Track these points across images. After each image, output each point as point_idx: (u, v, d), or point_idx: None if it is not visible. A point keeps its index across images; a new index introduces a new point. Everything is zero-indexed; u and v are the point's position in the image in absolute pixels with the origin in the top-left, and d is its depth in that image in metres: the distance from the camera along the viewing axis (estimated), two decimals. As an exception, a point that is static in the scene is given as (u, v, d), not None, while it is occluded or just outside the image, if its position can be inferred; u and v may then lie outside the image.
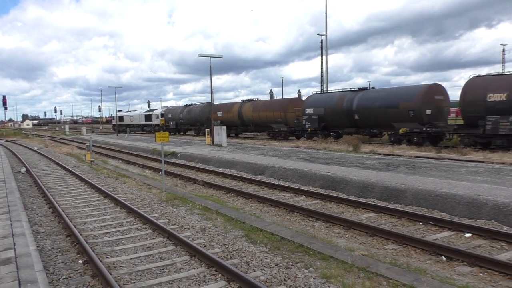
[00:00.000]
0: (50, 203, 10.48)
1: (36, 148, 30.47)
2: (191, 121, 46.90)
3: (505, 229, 7.38)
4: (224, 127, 26.53)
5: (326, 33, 40.75)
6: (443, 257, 6.23)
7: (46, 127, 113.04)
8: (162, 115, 53.67)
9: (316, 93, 33.30)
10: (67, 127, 75.05)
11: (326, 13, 39.76)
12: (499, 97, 18.94)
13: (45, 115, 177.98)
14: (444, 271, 5.75)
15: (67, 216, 8.79)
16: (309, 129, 29.96)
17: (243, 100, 40.35)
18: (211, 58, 26.74)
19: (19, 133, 66.58)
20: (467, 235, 7.25)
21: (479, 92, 19.81)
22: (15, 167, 19.00)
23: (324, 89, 41.89)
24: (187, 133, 49.34)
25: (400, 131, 23.68)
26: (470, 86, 20.59)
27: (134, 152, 26.28)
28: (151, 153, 24.56)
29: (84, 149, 24.22)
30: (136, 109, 73.14)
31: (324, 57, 44.32)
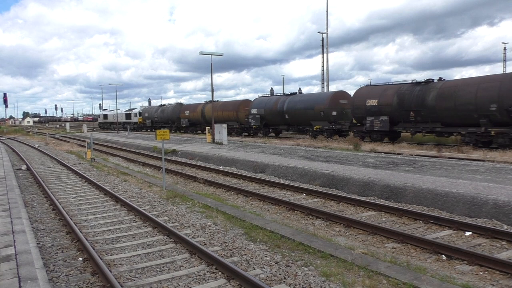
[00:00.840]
0: (50, 200, 10.49)
1: (36, 146, 30.49)
2: (164, 119, 52.29)
3: (505, 228, 7.37)
4: (225, 125, 26.52)
5: (327, 31, 40.71)
6: (443, 255, 6.22)
7: (47, 125, 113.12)
8: (140, 114, 59.15)
9: (260, 97, 37.77)
10: (67, 124, 75.11)
11: (327, 11, 39.75)
12: (373, 102, 25.01)
13: (46, 113, 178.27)
14: (444, 270, 5.74)
15: (67, 214, 8.80)
16: (253, 126, 36.05)
17: (206, 102, 45.43)
18: (212, 56, 26.73)
19: (20, 130, 66.64)
20: (468, 233, 7.24)
21: (362, 99, 25.93)
22: (16, 164, 19.02)
23: (325, 87, 41.85)
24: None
25: (315, 127, 29.88)
26: (357, 94, 27.08)
27: (134, 150, 26.29)
28: (152, 151, 24.57)
29: (84, 146, 24.23)
30: (119, 108, 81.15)
31: (325, 55, 44.29)
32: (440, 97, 21.39)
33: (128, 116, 62.04)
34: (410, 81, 24.30)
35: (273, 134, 36.60)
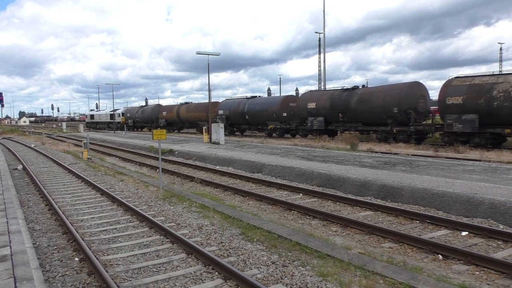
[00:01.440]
0: (46, 200, 10.45)
1: (33, 146, 30.36)
2: (144, 120, 56.62)
3: (501, 227, 7.41)
4: (222, 125, 26.53)
5: (324, 31, 40.75)
6: (439, 255, 6.24)
7: (43, 124, 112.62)
8: (123, 114, 63.86)
9: (227, 99, 41.76)
10: (64, 124, 75.19)
11: (324, 11, 39.86)
12: (313, 105, 29.35)
13: (42, 112, 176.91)
14: (441, 270, 5.76)
15: (63, 214, 8.76)
16: None
17: (181, 103, 50.00)
18: (209, 55, 26.70)
19: (16, 130, 66.35)
20: (464, 233, 7.27)
21: (304, 102, 30.43)
22: (12, 164, 18.93)
23: (322, 87, 41.90)
24: (143, 130, 58.59)
25: (269, 127, 34.22)
26: (301, 98, 32.05)
27: (131, 150, 26.23)
28: (148, 151, 24.51)
29: (81, 146, 24.14)
30: (104, 108, 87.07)
31: (322, 55, 44.39)
32: (360, 102, 25.90)
33: (112, 116, 66.18)
34: (341, 88, 28.80)
35: (239, 133, 39.73)
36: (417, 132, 23.25)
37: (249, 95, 38.71)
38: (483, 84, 20.06)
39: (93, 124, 73.32)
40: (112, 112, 67.35)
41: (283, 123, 32.81)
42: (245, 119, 36.69)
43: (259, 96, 38.54)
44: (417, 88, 24.15)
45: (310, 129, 29.82)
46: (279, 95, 38.19)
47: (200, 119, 43.89)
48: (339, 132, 29.33)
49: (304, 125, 30.45)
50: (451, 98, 20.91)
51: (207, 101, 35.70)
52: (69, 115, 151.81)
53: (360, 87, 27.65)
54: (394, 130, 24.07)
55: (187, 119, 46.57)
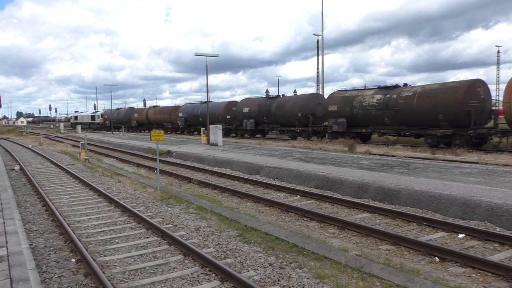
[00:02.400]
0: (43, 201, 10.42)
1: (30, 146, 30.27)
2: (119, 121, 62.10)
3: (498, 230, 7.43)
4: (220, 127, 26.52)
5: (323, 33, 40.84)
6: (436, 257, 6.26)
7: (41, 125, 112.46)
8: (102, 115, 69.94)
9: (186, 104, 48.50)
10: (61, 125, 75.19)
11: (322, 13, 39.86)
12: (247, 110, 36.37)
13: (40, 113, 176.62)
14: (437, 272, 5.77)
15: (60, 215, 8.74)
16: (180, 126, 46.67)
17: (149, 107, 58.63)
18: (208, 57, 26.72)
19: (13, 130, 66.17)
20: (461, 236, 7.29)
21: (241, 107, 37.53)
22: (9, 164, 18.87)
23: (320, 90, 41.99)
24: (119, 130, 60.36)
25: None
26: (239, 104, 38.81)
27: (129, 151, 26.19)
28: (146, 152, 24.48)
29: (78, 147, 24.10)
30: (87, 110, 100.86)
31: (320, 57, 44.41)
32: (277, 108, 33.22)
33: (93, 117, 73.70)
34: (266, 96, 36.12)
35: (196, 132, 44.00)
36: (314, 132, 30.31)
37: (203, 100, 45.34)
38: (349, 96, 26.98)
39: (76, 124, 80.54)
40: (93, 114, 76.09)
41: (227, 124, 39.23)
42: (199, 120, 42.76)
43: (211, 101, 43.47)
44: (316, 98, 32.04)
45: (245, 129, 36.75)
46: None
47: (165, 120, 50.65)
48: (267, 131, 36.95)
49: (241, 126, 37.22)
50: (331, 106, 28.00)
51: (176, 103, 41.03)
52: (66, 116, 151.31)
53: (281, 96, 35.24)
54: (298, 130, 31.33)
55: (154, 121, 53.07)
